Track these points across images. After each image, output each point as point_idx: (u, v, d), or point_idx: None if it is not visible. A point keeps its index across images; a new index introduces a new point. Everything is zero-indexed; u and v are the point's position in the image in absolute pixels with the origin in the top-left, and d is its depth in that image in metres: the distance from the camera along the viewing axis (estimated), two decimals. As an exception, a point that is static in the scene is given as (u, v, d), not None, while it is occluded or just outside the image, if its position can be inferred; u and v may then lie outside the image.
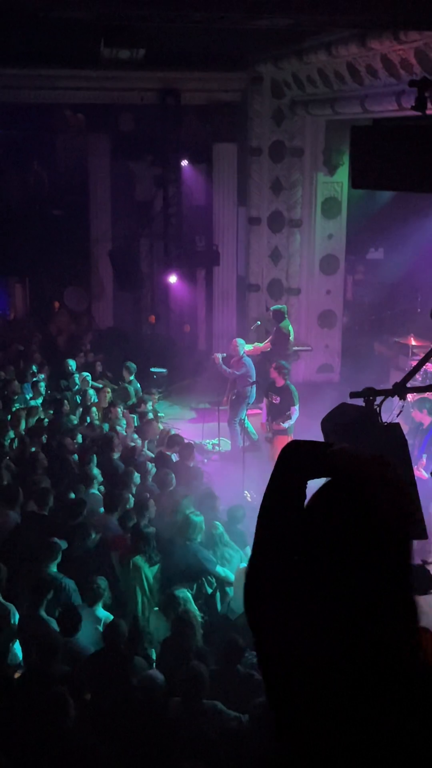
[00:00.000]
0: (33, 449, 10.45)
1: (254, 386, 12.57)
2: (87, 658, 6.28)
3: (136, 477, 9.62)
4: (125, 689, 5.71)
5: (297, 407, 11.56)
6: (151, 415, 12.58)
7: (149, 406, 13.18)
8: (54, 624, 6.66)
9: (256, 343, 13.79)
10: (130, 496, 9.00)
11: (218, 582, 7.87)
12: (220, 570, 7.88)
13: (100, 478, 9.61)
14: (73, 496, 9.19)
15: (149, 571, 7.74)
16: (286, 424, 11.53)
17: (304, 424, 11.14)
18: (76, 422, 12.10)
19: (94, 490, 9.36)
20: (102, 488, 9.54)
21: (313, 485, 1.67)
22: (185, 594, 7.20)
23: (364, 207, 16.45)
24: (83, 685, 5.86)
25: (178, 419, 14.63)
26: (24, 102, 15.90)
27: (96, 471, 9.64)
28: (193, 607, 7.13)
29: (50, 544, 7.49)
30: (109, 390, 13.46)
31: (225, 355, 13.13)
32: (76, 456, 10.52)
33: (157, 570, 7.80)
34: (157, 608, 7.46)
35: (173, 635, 6.64)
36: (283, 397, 11.63)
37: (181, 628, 6.55)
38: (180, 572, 7.68)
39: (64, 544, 7.65)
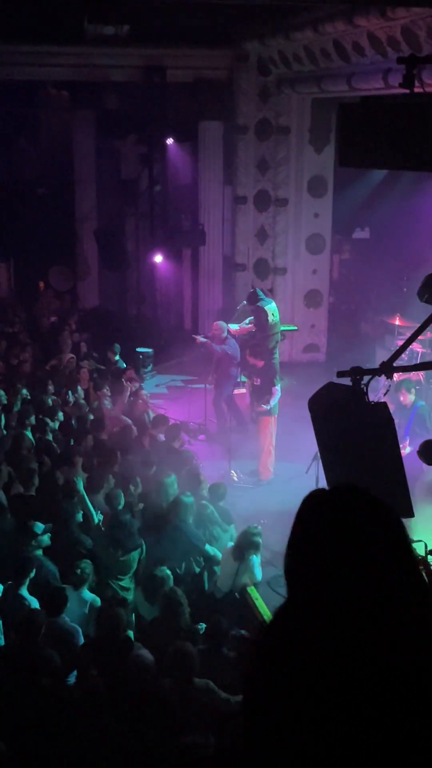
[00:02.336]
0: (22, 430, 10.40)
1: (238, 367, 12.54)
2: (87, 642, 6.24)
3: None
4: (121, 672, 5.69)
5: (278, 387, 11.43)
6: (149, 394, 12.52)
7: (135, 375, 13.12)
8: (36, 604, 6.64)
9: (243, 324, 13.70)
10: (111, 476, 8.97)
11: (206, 561, 7.88)
12: (208, 549, 7.89)
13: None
14: (59, 476, 9.14)
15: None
16: (267, 406, 11.41)
17: (290, 404, 11.13)
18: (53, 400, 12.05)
19: (78, 471, 9.31)
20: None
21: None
22: (166, 572, 7.18)
23: (351, 186, 16.38)
24: (87, 664, 5.83)
25: (164, 399, 14.61)
26: (7, 79, 15.70)
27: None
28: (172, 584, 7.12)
29: (27, 527, 7.46)
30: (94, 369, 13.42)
31: (206, 340, 13.05)
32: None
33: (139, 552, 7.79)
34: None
35: (162, 614, 6.65)
36: (263, 378, 11.50)
37: (170, 607, 6.55)
38: (168, 551, 7.68)
39: (40, 527, 7.60)
